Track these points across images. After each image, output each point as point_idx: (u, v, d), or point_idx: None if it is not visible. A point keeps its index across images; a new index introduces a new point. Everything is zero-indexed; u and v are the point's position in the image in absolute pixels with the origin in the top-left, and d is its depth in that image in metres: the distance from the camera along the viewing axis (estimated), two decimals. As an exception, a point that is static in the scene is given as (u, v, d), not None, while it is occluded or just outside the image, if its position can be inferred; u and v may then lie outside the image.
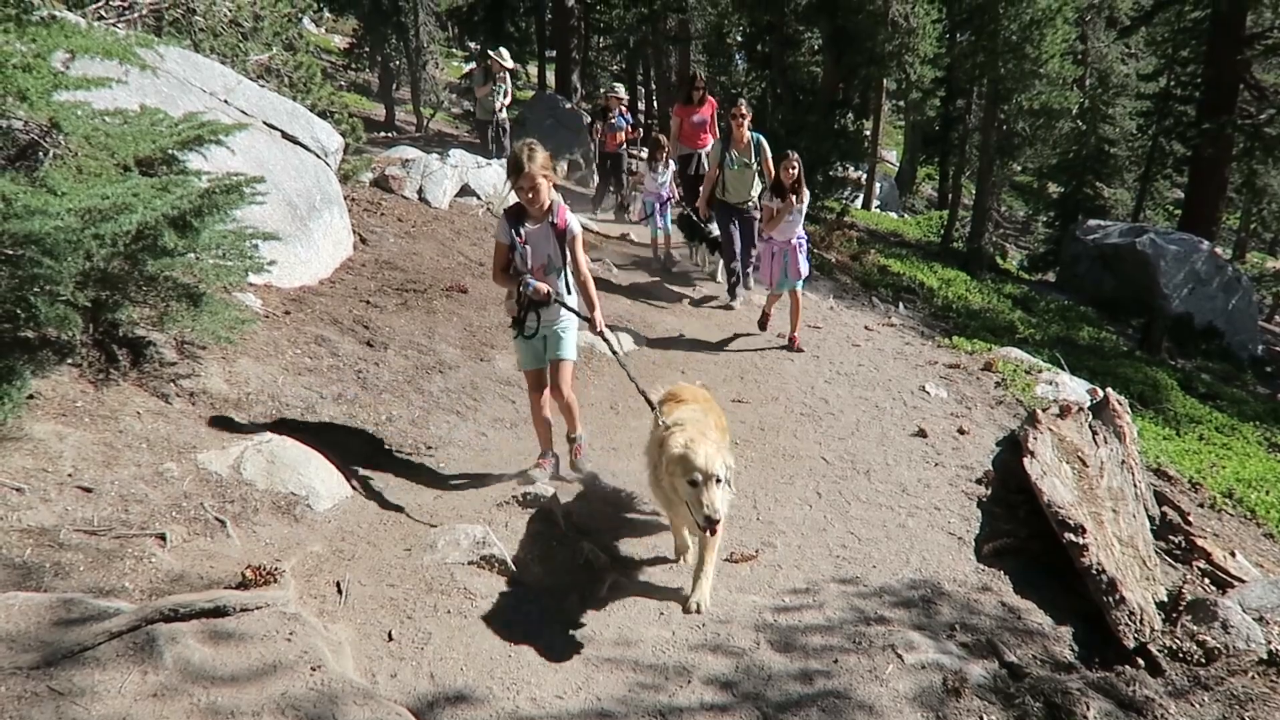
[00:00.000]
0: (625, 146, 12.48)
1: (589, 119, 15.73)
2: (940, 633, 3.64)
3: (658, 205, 9.90)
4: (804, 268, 7.40)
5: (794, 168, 7.15)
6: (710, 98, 9.85)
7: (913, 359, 7.75)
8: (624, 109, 12.72)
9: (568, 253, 4.29)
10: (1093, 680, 3.47)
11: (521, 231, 4.19)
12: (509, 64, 12.74)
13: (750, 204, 8.11)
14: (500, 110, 12.66)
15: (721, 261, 8.96)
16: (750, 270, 8.56)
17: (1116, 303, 15.49)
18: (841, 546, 4.32)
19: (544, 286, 4.19)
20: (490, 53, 12.84)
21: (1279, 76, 19.89)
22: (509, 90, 13.02)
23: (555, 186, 4.22)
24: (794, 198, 7.16)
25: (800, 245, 7.34)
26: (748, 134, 7.92)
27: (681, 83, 10.44)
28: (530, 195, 4.10)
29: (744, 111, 7.94)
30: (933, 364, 7.59)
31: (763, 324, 7.85)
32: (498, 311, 6.74)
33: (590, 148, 15.16)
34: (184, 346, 4.48)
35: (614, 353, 4.30)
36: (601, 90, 13.13)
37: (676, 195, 9.93)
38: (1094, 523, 4.44)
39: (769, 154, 7.98)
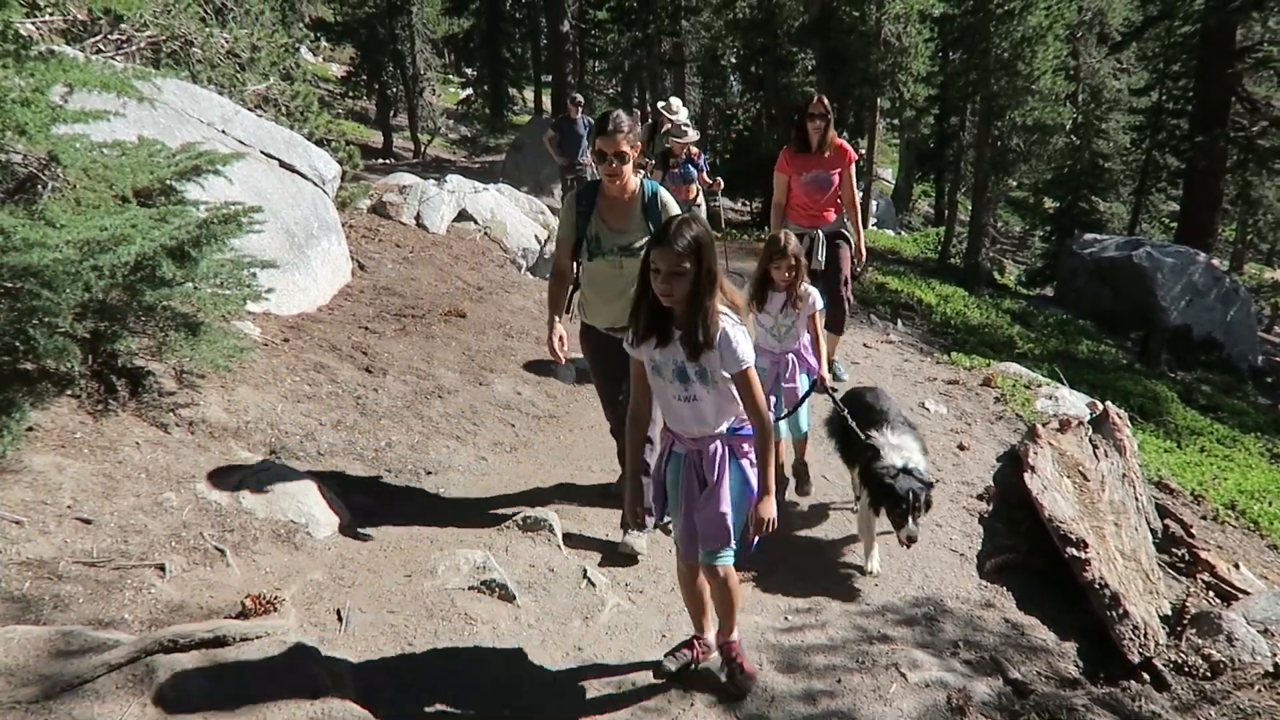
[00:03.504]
0: (699, 201, 8.42)
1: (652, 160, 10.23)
2: (944, 650, 3.63)
3: (782, 378, 4.62)
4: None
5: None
6: (843, 143, 6.16)
7: (912, 375, 7.75)
8: (693, 153, 8.34)
9: None
10: (1098, 696, 3.46)
11: None
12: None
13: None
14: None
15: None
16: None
17: (1115, 316, 15.51)
18: (844, 564, 4.31)
19: None
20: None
21: (1270, 89, 20.04)
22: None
23: None
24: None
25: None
26: (634, 185, 3.79)
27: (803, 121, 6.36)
28: None
29: (623, 145, 3.59)
30: (932, 380, 7.59)
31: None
32: (496, 336, 6.76)
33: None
34: (183, 376, 4.48)
35: None
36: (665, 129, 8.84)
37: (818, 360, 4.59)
38: (1096, 537, 4.43)
39: None
